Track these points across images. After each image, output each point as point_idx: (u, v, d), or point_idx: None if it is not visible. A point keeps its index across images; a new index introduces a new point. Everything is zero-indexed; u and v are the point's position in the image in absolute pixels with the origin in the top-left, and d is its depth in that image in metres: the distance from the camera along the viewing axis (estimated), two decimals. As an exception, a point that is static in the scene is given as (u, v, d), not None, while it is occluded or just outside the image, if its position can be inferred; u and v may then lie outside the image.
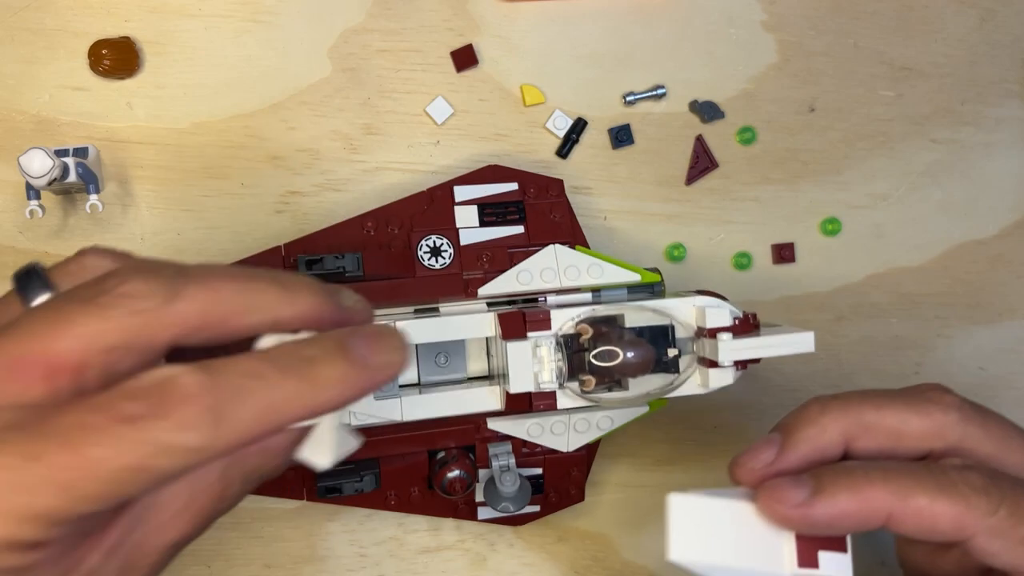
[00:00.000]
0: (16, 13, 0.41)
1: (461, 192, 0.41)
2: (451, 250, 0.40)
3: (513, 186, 0.41)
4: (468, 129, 0.44)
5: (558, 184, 0.42)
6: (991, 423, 0.33)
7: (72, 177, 0.39)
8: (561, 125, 0.44)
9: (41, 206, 0.39)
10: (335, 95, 0.43)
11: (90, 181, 0.39)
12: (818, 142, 0.47)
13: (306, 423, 0.26)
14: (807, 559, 0.32)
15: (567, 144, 0.45)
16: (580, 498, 0.42)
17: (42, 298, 0.25)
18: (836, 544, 0.32)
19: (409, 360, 0.27)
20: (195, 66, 0.42)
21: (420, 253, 0.39)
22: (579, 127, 0.45)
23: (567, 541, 0.44)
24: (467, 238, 0.40)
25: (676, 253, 0.45)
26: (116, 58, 0.41)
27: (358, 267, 0.39)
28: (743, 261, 0.46)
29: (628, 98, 0.45)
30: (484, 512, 0.41)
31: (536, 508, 0.41)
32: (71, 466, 0.22)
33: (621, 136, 0.45)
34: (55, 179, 0.38)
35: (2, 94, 0.41)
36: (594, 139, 0.45)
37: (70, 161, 0.39)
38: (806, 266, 0.47)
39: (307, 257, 0.38)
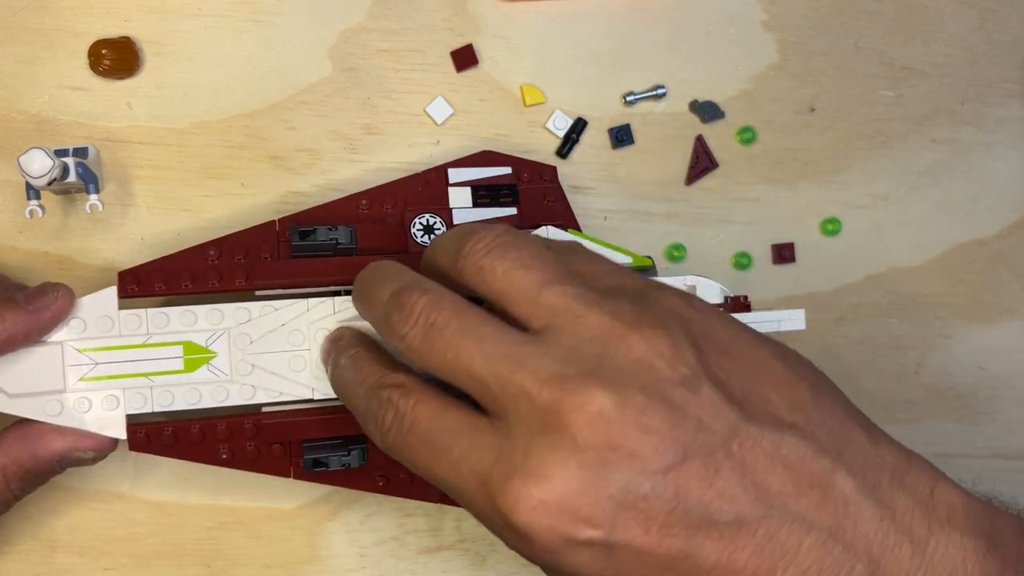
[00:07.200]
0: (16, 13, 0.41)
1: (455, 174, 0.41)
2: (444, 228, 0.40)
3: (507, 170, 0.41)
4: (468, 129, 0.44)
5: (551, 170, 0.42)
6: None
7: (72, 177, 0.39)
8: (561, 125, 0.44)
9: (41, 206, 0.39)
10: (335, 95, 0.43)
11: (90, 181, 0.39)
12: (818, 142, 0.47)
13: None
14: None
15: (567, 144, 0.44)
16: None
17: None
18: None
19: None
20: (195, 66, 0.42)
21: (413, 231, 0.40)
22: (579, 127, 0.45)
23: (567, 541, 0.44)
24: (460, 218, 0.40)
25: (676, 253, 0.45)
26: (116, 58, 0.41)
27: (351, 240, 0.39)
28: (743, 261, 0.46)
29: (628, 98, 0.45)
30: None
31: None
32: None
33: (621, 136, 0.45)
34: (55, 179, 0.38)
35: (2, 94, 0.41)
36: (594, 139, 0.45)
37: (70, 161, 0.39)
38: (806, 266, 0.47)
39: (300, 228, 0.38)
